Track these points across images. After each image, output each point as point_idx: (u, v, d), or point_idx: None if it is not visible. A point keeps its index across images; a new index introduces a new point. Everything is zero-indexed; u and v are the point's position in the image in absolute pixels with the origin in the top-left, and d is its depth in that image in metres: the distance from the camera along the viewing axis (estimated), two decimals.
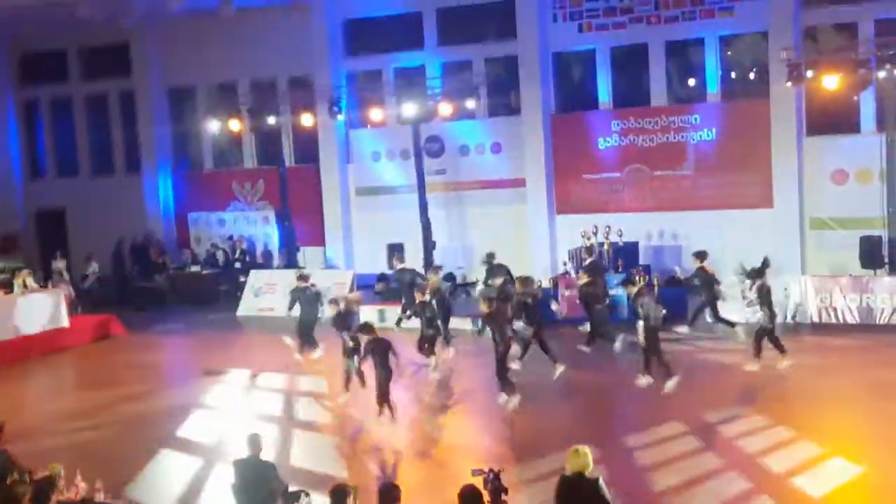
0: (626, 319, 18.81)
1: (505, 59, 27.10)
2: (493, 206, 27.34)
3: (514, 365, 15.83)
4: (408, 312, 19.59)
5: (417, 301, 17.90)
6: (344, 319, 16.40)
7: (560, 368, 16.27)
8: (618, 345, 17.84)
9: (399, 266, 21.63)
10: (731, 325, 17.98)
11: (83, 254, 29.99)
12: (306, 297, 19.17)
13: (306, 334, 18.97)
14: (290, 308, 19.25)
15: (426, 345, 17.45)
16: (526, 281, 17.18)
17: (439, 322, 17.57)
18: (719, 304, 19.14)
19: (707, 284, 18.31)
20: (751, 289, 17.00)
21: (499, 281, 18.90)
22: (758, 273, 16.95)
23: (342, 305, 16.65)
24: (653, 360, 15.63)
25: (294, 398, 17.01)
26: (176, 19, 29.01)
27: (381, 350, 14.28)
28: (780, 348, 16.56)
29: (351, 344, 15.54)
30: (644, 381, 15.69)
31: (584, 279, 18.56)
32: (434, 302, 17.80)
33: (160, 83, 31.35)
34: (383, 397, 14.21)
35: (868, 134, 23.49)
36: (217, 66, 29.91)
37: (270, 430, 14.34)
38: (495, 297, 16.65)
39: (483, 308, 15.49)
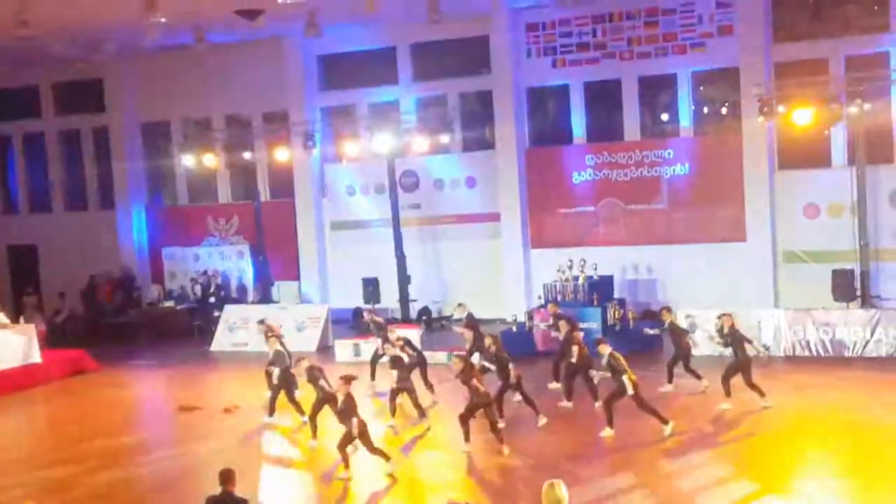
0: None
1: (479, 93, 27.29)
2: (468, 241, 27.38)
3: (501, 423, 15.63)
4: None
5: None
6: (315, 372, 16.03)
7: (543, 420, 16.05)
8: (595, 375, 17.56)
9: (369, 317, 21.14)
10: (699, 377, 17.90)
11: (55, 290, 29.77)
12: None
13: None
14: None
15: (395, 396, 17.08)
16: (495, 339, 16.88)
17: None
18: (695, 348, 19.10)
19: (677, 337, 18.25)
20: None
21: (469, 335, 18.59)
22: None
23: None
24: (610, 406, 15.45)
25: (268, 434, 16.85)
26: (150, 55, 29.06)
27: (353, 403, 13.95)
28: (758, 390, 16.43)
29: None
30: (607, 432, 15.45)
31: (564, 327, 18.06)
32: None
33: (134, 119, 31.29)
34: (369, 447, 13.87)
35: (839, 168, 23.75)
36: (191, 101, 29.94)
37: (244, 466, 14.16)
38: (467, 355, 16.63)
39: (456, 366, 15.34)
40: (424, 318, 26.13)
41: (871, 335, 20.05)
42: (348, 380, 13.96)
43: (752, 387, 16.39)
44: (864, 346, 20.09)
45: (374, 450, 13.83)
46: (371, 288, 26.22)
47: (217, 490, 9.98)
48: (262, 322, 20.41)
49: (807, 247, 24.19)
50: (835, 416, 15.91)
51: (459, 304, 20.37)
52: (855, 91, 21.09)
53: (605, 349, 15.26)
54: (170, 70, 29.81)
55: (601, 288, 22.59)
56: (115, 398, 20.74)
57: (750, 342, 16.78)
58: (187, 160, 28.05)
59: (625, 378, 14.81)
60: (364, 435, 13.71)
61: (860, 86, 21.15)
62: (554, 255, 24.48)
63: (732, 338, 16.69)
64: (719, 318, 17.30)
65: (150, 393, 22.11)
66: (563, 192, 26.42)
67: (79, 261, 30.32)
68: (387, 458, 13.86)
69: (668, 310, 18.55)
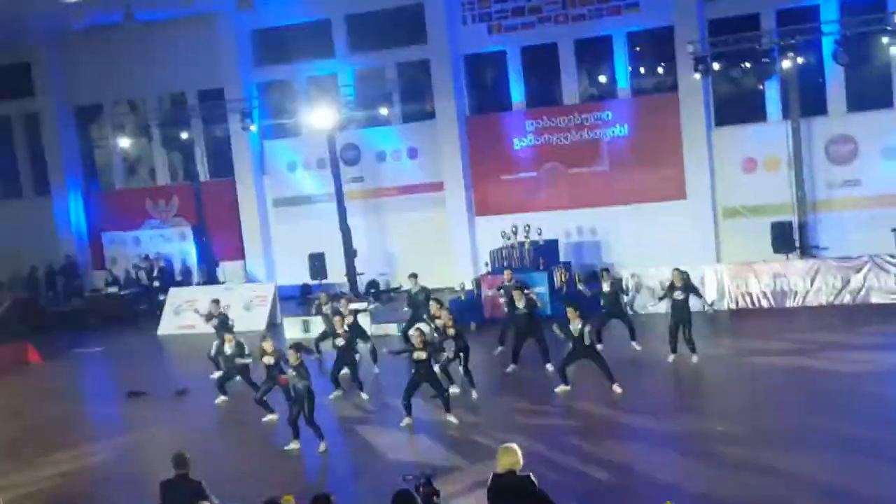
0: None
1: (417, 63, 27.12)
2: (412, 212, 27.34)
3: (454, 388, 15.73)
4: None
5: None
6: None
7: (475, 394, 15.94)
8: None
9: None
10: (599, 341, 18.03)
11: None
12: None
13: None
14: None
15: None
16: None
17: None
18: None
19: (614, 297, 18.33)
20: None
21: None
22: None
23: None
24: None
25: (220, 415, 16.75)
26: (78, 36, 28.41)
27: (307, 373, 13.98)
28: (691, 346, 16.68)
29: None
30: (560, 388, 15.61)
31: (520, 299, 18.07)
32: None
33: (66, 102, 30.67)
34: (309, 421, 13.90)
35: (774, 122, 24.06)
36: (123, 81, 29.38)
37: (198, 449, 14.06)
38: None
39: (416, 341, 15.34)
40: (373, 290, 26.09)
41: (812, 285, 20.46)
42: (299, 348, 13.99)
43: (689, 341, 16.66)
44: (805, 296, 20.48)
45: (312, 422, 13.82)
46: (317, 263, 26.10)
47: (171, 474, 9.88)
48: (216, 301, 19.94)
49: (746, 201, 24.52)
50: (779, 364, 16.22)
51: (412, 275, 20.30)
52: (787, 45, 21.35)
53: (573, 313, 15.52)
54: (100, 51, 29.19)
55: (546, 252, 22.72)
56: (61, 387, 20.39)
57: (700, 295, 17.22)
58: (123, 142, 27.56)
59: None
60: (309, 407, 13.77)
61: (792, 40, 21.39)
62: (499, 221, 24.53)
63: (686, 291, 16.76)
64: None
65: (97, 381, 21.80)
66: (505, 159, 26.47)
67: (17, 249, 29.68)
68: (321, 436, 13.85)
69: (607, 271, 18.77)
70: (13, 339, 23.88)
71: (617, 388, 15.20)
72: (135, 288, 28.36)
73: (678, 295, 16.72)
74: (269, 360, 14.85)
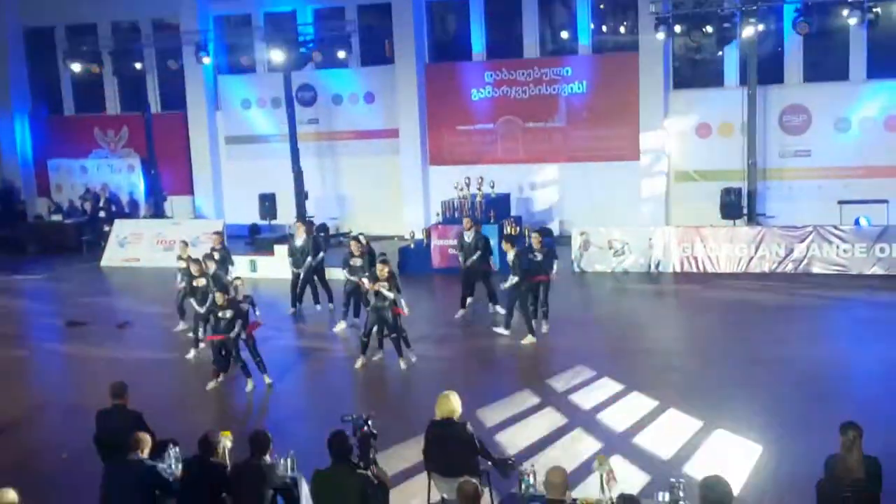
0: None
1: (378, 6, 26.74)
2: (366, 157, 27.16)
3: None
4: None
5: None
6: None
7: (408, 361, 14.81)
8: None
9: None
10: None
11: None
12: None
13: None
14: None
15: None
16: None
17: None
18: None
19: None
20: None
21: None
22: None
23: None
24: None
25: (162, 348, 16.62)
26: None
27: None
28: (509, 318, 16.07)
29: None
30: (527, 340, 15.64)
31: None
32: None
33: (15, 23, 29.85)
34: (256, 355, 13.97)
35: (731, 88, 24.15)
36: (75, 6, 28.63)
37: (137, 380, 13.95)
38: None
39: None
40: (322, 234, 25.90)
41: (756, 252, 20.66)
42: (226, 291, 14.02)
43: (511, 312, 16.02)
44: (749, 262, 20.70)
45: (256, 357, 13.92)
46: (267, 204, 25.91)
47: (108, 404, 9.80)
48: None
49: (698, 166, 24.67)
50: (718, 328, 16.46)
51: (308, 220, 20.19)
52: (748, 11, 21.35)
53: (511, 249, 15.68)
54: None
55: (498, 205, 22.69)
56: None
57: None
58: (73, 68, 26.96)
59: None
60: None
61: (754, 6, 21.40)
62: (452, 172, 24.43)
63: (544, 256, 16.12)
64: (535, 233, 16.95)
65: (36, 307, 21.50)
66: (462, 109, 26.32)
67: None
68: (249, 374, 13.88)
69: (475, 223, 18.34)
70: None
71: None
72: (79, 217, 27.92)
73: (536, 256, 16.10)
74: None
